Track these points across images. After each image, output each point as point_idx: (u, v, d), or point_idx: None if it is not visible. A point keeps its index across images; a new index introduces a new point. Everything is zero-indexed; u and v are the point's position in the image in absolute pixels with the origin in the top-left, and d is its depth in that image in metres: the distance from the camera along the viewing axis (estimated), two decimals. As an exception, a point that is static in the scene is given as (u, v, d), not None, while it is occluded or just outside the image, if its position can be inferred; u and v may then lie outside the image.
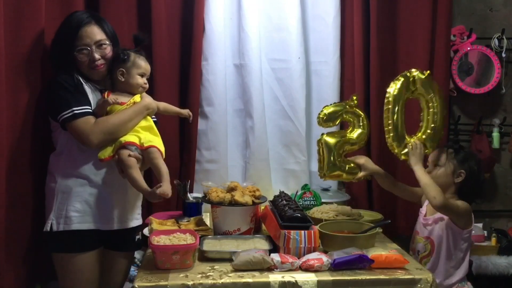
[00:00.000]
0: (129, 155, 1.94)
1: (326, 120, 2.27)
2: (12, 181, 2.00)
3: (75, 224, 1.96)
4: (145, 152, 2.00)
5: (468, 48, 2.94)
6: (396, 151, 2.25)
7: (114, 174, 2.00)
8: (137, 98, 2.05)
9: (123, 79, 2.04)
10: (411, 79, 2.20)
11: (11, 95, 1.99)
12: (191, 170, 2.67)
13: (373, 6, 2.72)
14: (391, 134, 2.22)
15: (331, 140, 2.26)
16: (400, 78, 2.21)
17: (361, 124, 2.30)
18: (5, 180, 1.97)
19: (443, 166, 2.18)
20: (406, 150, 2.22)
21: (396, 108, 2.19)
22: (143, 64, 2.07)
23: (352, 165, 2.29)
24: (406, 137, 2.25)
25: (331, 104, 2.32)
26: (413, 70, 2.23)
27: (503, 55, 2.95)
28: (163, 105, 2.20)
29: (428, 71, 2.24)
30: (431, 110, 2.24)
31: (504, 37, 2.95)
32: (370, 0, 2.72)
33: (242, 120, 2.79)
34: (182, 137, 2.68)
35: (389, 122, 2.21)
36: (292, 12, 2.72)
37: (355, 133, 2.30)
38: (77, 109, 1.92)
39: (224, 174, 2.74)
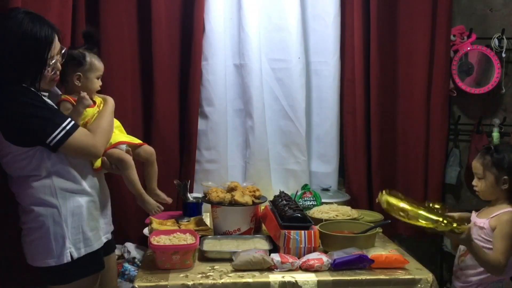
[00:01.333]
0: (128, 152, 1.91)
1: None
2: None
3: (94, 244, 1.79)
4: (141, 150, 2.00)
5: (468, 48, 2.94)
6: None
7: (99, 179, 1.90)
8: (97, 98, 1.93)
9: (79, 84, 1.86)
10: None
11: None
12: (191, 170, 2.67)
13: (373, 6, 2.72)
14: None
15: (392, 201, 1.93)
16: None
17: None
18: None
19: (483, 179, 2.03)
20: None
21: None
22: (100, 65, 1.91)
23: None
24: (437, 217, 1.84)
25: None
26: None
27: (503, 55, 2.95)
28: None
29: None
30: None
31: (504, 37, 2.95)
32: (370, 0, 2.72)
33: (242, 120, 2.79)
34: (182, 137, 2.68)
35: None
36: (292, 12, 2.72)
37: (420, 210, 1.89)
38: (66, 125, 1.68)
39: (224, 174, 2.74)
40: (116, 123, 1.98)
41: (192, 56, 2.62)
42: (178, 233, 1.94)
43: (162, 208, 1.91)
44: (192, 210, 2.33)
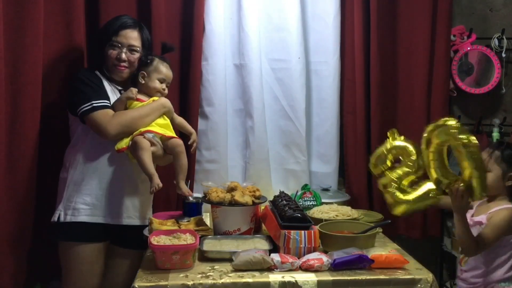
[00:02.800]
0: (144, 137, 2.00)
1: (375, 165, 2.04)
2: (14, 179, 2.01)
3: (82, 216, 2.01)
4: (168, 142, 2.08)
5: (468, 48, 2.95)
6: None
7: (126, 169, 2.05)
8: (155, 98, 2.13)
9: (143, 82, 2.11)
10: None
11: (10, 94, 1.98)
12: (191, 170, 2.66)
13: (373, 6, 2.72)
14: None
15: (385, 180, 1.99)
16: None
17: (409, 154, 1.98)
18: (4, 179, 1.96)
19: (491, 172, 2.01)
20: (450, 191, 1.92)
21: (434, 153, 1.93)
22: (164, 70, 2.14)
23: (413, 196, 1.96)
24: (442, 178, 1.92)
25: (375, 150, 2.07)
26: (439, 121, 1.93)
27: (503, 55, 2.95)
28: (180, 119, 2.26)
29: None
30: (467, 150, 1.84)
31: (504, 37, 2.95)
32: (370, 0, 2.72)
33: (242, 120, 2.79)
34: (182, 137, 2.67)
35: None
36: (292, 12, 2.72)
37: (408, 166, 1.97)
38: (96, 102, 1.98)
39: (224, 174, 2.74)
40: (163, 121, 2.11)
41: (192, 56, 2.62)
42: (178, 233, 1.94)
43: (161, 185, 1.96)
44: (192, 210, 2.32)
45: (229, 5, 2.72)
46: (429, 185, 1.95)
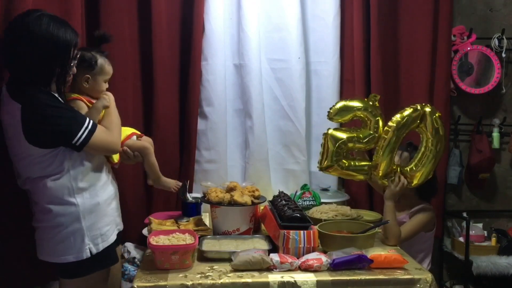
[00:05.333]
0: (138, 140, 2.01)
1: (335, 114, 2.19)
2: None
3: (110, 238, 1.87)
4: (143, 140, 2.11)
5: (468, 48, 2.94)
6: (380, 169, 2.17)
7: (111, 172, 2.00)
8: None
9: (87, 86, 1.90)
10: (421, 113, 2.13)
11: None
12: (191, 170, 2.67)
13: (373, 5, 2.71)
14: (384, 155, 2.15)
15: (336, 134, 2.16)
16: (411, 108, 2.15)
17: (374, 126, 2.19)
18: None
19: None
20: (389, 178, 2.18)
21: (397, 137, 2.13)
22: (110, 70, 1.95)
23: (354, 163, 2.20)
24: (393, 166, 2.18)
25: (346, 100, 2.23)
26: (427, 106, 2.15)
27: (503, 55, 2.95)
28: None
29: (439, 113, 2.15)
30: (426, 152, 2.15)
31: (504, 37, 2.95)
32: (370, 0, 2.72)
33: (242, 120, 2.79)
34: (182, 137, 2.68)
35: (387, 145, 2.14)
36: (292, 12, 2.72)
37: (363, 133, 2.19)
38: (88, 124, 1.74)
39: (224, 174, 2.74)
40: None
41: (192, 56, 2.62)
42: (177, 233, 1.94)
43: (180, 183, 2.02)
44: (192, 210, 2.32)
45: (229, 5, 2.71)
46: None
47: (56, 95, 1.76)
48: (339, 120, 2.23)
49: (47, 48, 1.69)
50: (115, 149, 1.87)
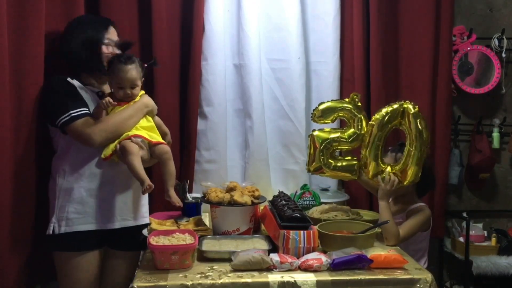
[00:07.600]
0: (132, 141, 1.95)
1: (319, 116, 2.25)
2: (17, 183, 1.99)
3: (76, 225, 1.99)
4: (155, 148, 2.03)
5: (468, 48, 2.95)
6: (370, 168, 2.19)
7: (116, 171, 2.01)
8: (136, 98, 2.05)
9: (112, 90, 2.05)
10: (400, 109, 2.15)
11: (15, 96, 1.97)
12: (191, 170, 2.67)
13: (373, 5, 2.71)
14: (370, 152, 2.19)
15: (320, 135, 2.22)
16: (392, 105, 2.17)
17: (357, 124, 2.23)
18: (10, 182, 1.95)
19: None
20: (379, 176, 2.19)
21: (380, 134, 2.16)
22: (121, 75, 1.97)
23: (341, 164, 2.23)
24: (382, 164, 2.20)
25: (328, 101, 2.29)
26: (407, 102, 2.16)
27: (503, 55, 2.96)
28: (157, 118, 2.16)
29: (417, 108, 2.15)
30: (411, 149, 2.15)
31: (504, 37, 2.95)
32: (370, 0, 2.72)
33: (242, 120, 2.79)
34: (182, 137, 2.68)
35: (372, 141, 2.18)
36: (292, 12, 2.72)
37: (347, 133, 2.23)
38: (74, 112, 1.93)
39: (224, 174, 2.74)
40: (148, 123, 2.05)
41: (191, 56, 2.62)
42: (177, 233, 1.93)
43: (153, 186, 1.92)
44: (191, 210, 2.32)
45: (229, 5, 2.71)
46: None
47: (76, 83, 2.02)
48: (323, 121, 2.26)
49: (80, 31, 2.06)
50: (88, 142, 1.93)
